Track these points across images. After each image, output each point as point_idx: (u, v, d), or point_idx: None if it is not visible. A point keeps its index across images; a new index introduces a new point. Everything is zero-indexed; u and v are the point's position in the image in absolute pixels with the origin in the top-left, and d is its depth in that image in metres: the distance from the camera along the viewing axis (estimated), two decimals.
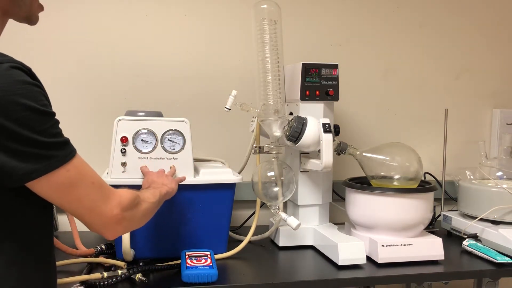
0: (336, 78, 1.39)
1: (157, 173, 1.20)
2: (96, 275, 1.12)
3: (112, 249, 1.31)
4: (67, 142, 0.80)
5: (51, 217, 0.89)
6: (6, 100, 0.71)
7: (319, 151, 1.30)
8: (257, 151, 1.35)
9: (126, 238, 1.20)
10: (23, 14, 0.89)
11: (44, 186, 0.76)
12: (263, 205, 1.42)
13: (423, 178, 1.44)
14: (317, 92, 1.38)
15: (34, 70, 0.80)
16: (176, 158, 1.27)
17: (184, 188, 1.26)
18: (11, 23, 0.91)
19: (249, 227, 1.40)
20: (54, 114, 0.79)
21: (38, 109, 0.75)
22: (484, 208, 1.42)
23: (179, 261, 1.20)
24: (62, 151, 0.78)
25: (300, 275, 1.22)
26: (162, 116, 1.35)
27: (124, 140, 1.24)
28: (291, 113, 1.43)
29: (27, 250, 0.82)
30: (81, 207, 0.81)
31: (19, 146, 0.73)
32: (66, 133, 0.81)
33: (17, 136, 0.72)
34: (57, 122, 0.79)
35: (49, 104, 0.79)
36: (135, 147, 1.25)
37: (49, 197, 0.79)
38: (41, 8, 0.92)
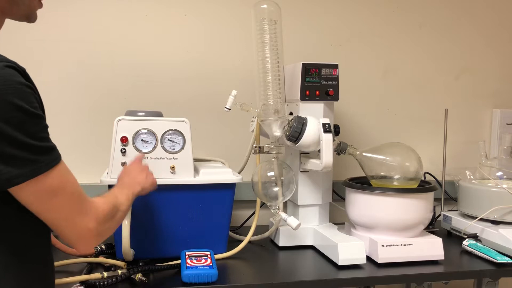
0: (336, 78, 1.39)
1: (139, 167, 1.16)
2: (96, 275, 1.11)
3: (112, 249, 1.31)
4: (53, 148, 0.78)
5: None
6: None
7: (319, 151, 1.30)
8: (257, 151, 1.35)
9: (126, 238, 1.20)
10: (22, 12, 0.88)
11: (26, 191, 0.75)
12: (263, 205, 1.42)
13: (423, 178, 1.44)
14: (317, 92, 1.38)
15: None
16: (176, 158, 1.27)
17: (184, 188, 1.27)
18: (11, 23, 0.91)
19: (249, 227, 1.40)
20: (43, 117, 0.77)
21: (29, 110, 0.73)
22: (484, 208, 1.42)
23: (179, 261, 1.20)
24: (48, 156, 0.76)
25: (300, 275, 1.22)
26: (162, 116, 1.35)
27: (124, 140, 1.24)
28: (291, 113, 1.43)
29: (25, 251, 0.82)
30: (58, 217, 0.79)
31: (7, 148, 0.71)
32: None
33: (4, 137, 0.71)
34: (46, 126, 0.78)
35: (39, 107, 0.78)
36: (135, 147, 1.25)
37: (28, 203, 0.77)
38: (40, 5, 0.91)
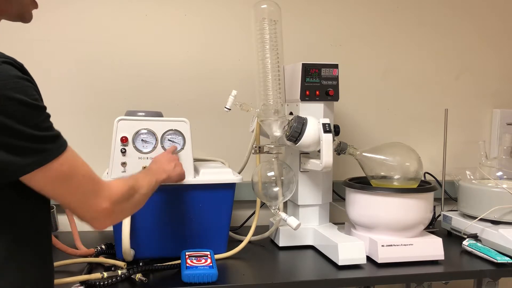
0: (336, 78, 1.39)
1: (169, 157, 1.20)
2: (96, 275, 1.12)
3: (112, 249, 1.31)
4: (58, 135, 0.80)
5: (48, 212, 0.89)
6: None
7: (319, 151, 1.30)
8: (257, 151, 1.35)
9: (126, 238, 1.20)
10: (15, 12, 0.88)
11: (38, 179, 0.77)
12: (263, 205, 1.42)
13: (423, 178, 1.44)
14: (317, 92, 1.38)
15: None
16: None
17: (184, 188, 1.27)
18: (11, 23, 0.91)
19: (249, 227, 1.40)
20: (45, 108, 0.79)
21: (29, 103, 0.75)
22: (484, 208, 1.42)
23: (179, 261, 1.20)
24: (55, 144, 0.78)
25: (300, 275, 1.22)
26: (162, 116, 1.35)
27: (124, 140, 1.24)
28: (291, 113, 1.43)
29: (25, 245, 0.82)
30: (72, 200, 0.82)
31: (12, 141, 0.73)
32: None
33: (10, 131, 0.73)
34: (48, 116, 0.79)
35: (40, 99, 0.79)
36: (135, 147, 1.25)
37: (42, 190, 0.79)
38: (34, 5, 0.91)
